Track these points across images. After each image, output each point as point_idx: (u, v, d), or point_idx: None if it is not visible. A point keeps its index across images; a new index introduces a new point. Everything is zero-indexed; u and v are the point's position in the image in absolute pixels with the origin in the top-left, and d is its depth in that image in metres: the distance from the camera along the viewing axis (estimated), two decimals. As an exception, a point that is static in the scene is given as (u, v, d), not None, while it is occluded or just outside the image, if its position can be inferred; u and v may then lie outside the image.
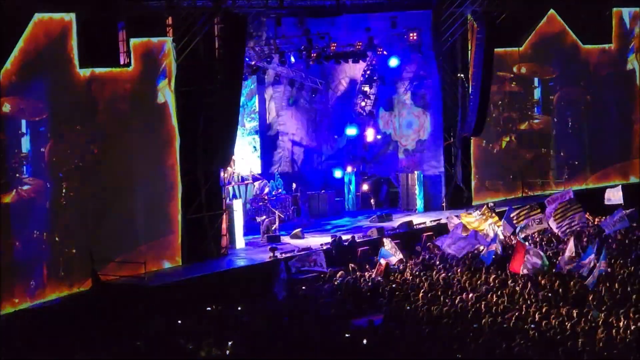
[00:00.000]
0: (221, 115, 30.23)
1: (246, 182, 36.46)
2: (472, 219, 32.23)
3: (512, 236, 31.47)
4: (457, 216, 33.06)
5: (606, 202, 34.94)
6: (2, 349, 23.70)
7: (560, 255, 27.55)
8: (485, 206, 33.61)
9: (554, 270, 26.83)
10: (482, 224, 31.77)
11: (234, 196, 34.87)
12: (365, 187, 39.52)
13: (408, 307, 24.20)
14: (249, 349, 21.53)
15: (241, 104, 36.73)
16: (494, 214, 32.43)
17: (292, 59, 36.97)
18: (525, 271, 26.62)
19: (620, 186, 35.52)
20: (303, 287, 27.72)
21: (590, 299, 23.66)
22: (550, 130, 41.74)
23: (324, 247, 31.40)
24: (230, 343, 21.79)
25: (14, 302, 25.98)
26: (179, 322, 24.56)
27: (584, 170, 42.24)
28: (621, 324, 21.32)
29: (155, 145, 29.76)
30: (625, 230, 31.20)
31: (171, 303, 26.71)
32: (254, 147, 39.12)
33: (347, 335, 21.90)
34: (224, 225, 31.33)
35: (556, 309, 22.92)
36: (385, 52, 37.84)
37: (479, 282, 26.20)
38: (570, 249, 27.00)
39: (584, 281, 25.25)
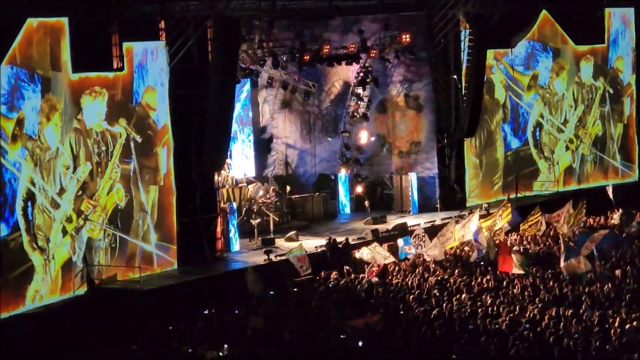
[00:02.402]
0: (214, 119, 30.21)
1: (240, 185, 36.42)
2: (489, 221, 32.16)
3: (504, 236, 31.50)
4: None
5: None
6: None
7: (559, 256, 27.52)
8: (505, 199, 33.87)
9: (550, 270, 26.88)
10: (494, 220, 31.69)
11: (229, 199, 34.85)
12: (359, 189, 39.50)
13: (403, 309, 24.21)
14: (245, 351, 21.53)
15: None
16: (507, 206, 32.48)
17: (285, 62, 36.92)
18: (516, 270, 26.64)
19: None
20: (295, 290, 27.71)
21: (584, 298, 23.69)
22: (543, 130, 41.79)
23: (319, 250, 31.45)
24: (226, 346, 21.81)
25: (9, 308, 25.91)
26: (175, 325, 24.54)
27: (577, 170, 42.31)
28: (616, 323, 21.35)
29: (148, 148, 29.75)
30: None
31: (166, 307, 26.69)
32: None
33: (342, 337, 21.90)
34: (218, 229, 31.33)
35: (551, 309, 22.94)
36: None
37: (473, 283, 26.23)
38: (561, 249, 26.98)
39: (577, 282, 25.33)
